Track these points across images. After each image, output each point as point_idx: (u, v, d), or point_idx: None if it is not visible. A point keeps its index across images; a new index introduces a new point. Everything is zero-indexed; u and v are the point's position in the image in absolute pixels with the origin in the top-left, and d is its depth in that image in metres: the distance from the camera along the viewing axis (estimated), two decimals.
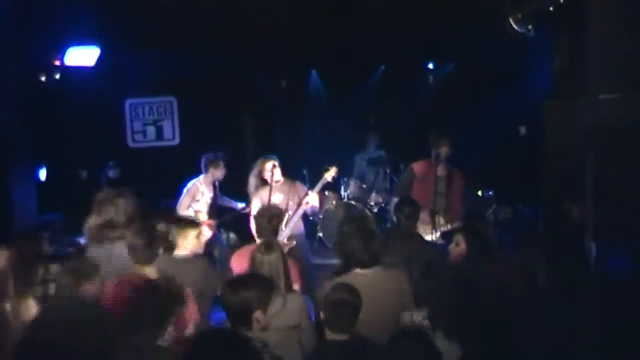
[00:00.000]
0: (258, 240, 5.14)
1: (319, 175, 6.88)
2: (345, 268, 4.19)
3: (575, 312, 3.37)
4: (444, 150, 6.36)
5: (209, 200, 7.05)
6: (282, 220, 5.48)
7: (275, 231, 5.29)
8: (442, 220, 6.22)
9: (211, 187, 7.11)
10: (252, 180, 6.57)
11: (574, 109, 5.31)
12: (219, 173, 7.06)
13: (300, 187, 6.69)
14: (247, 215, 6.68)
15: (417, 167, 6.63)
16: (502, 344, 3.11)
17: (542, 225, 6.68)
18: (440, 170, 6.40)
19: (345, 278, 3.99)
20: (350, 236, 4.16)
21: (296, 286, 4.51)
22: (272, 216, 5.27)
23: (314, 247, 8.29)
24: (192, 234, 4.75)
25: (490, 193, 8.74)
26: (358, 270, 4.13)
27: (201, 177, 7.08)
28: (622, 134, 4.10)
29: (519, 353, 3.21)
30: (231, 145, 8.94)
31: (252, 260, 4.21)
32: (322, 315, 3.62)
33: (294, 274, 4.59)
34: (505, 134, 9.24)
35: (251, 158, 7.95)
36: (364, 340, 3.61)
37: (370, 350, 3.44)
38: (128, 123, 9.58)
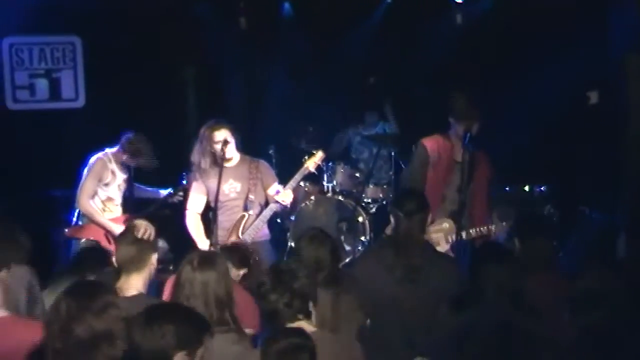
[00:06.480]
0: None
1: (293, 157, 6.58)
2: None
3: None
4: (475, 126, 6.08)
5: (122, 184, 6.84)
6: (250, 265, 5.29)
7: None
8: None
9: (124, 166, 6.82)
10: (196, 158, 6.35)
11: None
12: (134, 161, 6.73)
13: (266, 170, 6.49)
14: (181, 207, 6.52)
15: (431, 144, 6.29)
16: None
17: (622, 240, 6.51)
18: (461, 154, 6.09)
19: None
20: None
21: (249, 328, 4.28)
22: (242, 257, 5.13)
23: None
24: None
25: (543, 189, 8.52)
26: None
27: (109, 151, 6.76)
28: None
29: None
30: (164, 112, 8.63)
31: (178, 278, 4.04)
32: None
33: (247, 308, 4.36)
34: (566, 102, 8.78)
35: (193, 127, 7.64)
36: None
37: None
38: (7, 74, 9.06)
